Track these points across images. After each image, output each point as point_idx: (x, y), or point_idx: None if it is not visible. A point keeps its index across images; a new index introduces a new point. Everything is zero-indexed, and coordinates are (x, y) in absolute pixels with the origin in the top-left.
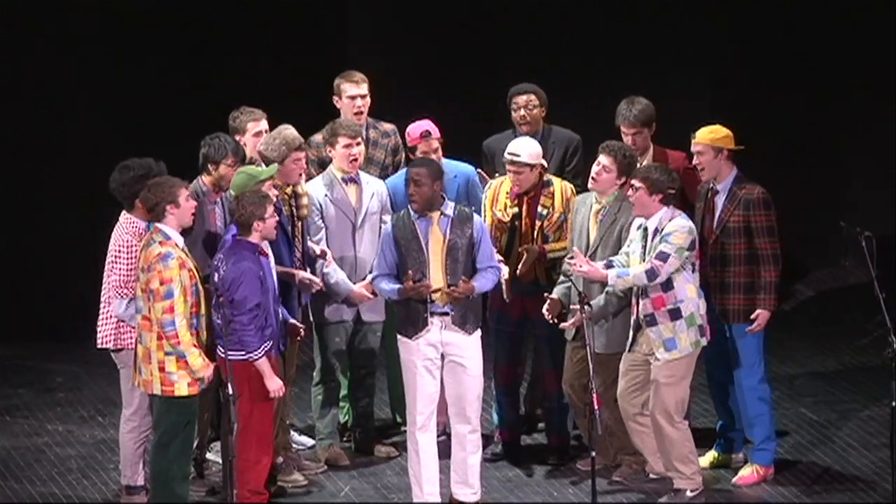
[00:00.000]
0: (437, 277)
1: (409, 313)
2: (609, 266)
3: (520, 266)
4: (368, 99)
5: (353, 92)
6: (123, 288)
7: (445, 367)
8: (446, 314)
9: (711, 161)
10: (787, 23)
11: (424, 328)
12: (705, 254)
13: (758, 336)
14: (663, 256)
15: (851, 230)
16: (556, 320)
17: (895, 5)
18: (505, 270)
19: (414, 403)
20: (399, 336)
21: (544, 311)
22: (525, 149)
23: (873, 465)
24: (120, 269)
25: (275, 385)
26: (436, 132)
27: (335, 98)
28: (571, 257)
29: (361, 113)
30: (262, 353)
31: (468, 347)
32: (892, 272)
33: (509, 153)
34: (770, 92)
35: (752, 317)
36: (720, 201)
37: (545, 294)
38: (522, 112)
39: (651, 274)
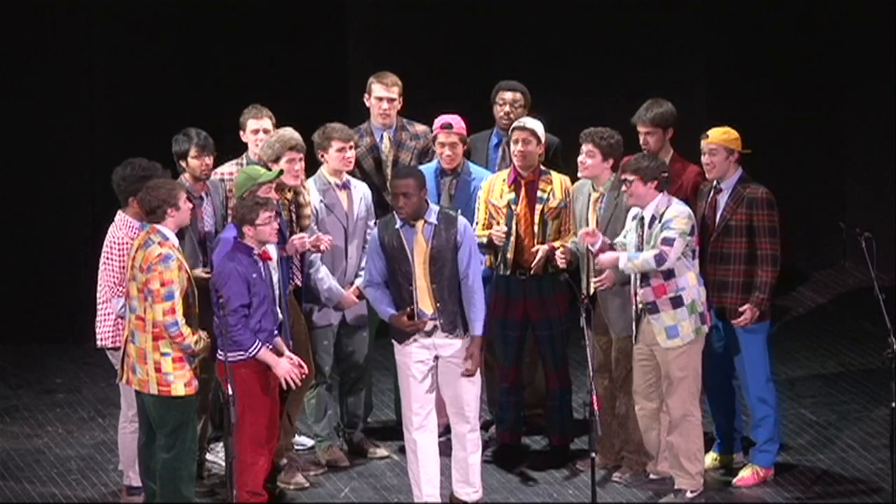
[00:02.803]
0: (422, 285)
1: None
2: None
3: (533, 263)
4: (398, 104)
5: (380, 94)
6: (118, 286)
7: (441, 369)
8: (435, 320)
9: (723, 161)
10: (787, 22)
11: (413, 336)
12: (705, 251)
13: (761, 337)
14: (669, 241)
15: (851, 230)
16: (569, 264)
17: (895, 5)
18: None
19: (409, 405)
20: (392, 340)
21: (559, 256)
22: (531, 120)
23: (873, 467)
24: (113, 268)
25: (282, 370)
26: (458, 127)
27: (366, 95)
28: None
29: (387, 115)
30: (258, 347)
31: (463, 349)
32: (891, 272)
33: (516, 123)
34: (769, 92)
35: (741, 310)
36: (723, 199)
37: (557, 250)
38: (507, 108)
39: (660, 259)
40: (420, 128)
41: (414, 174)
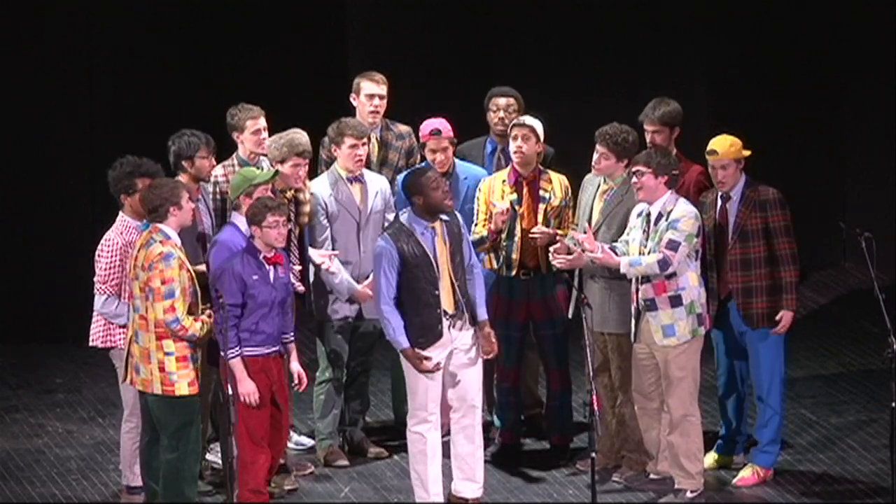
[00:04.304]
0: (445, 284)
1: (423, 326)
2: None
3: (535, 230)
4: (385, 101)
5: (371, 90)
6: (102, 284)
7: (453, 362)
8: (459, 315)
9: (734, 173)
10: (787, 22)
11: (440, 337)
12: (724, 260)
13: (779, 339)
14: (674, 245)
15: (851, 230)
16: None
17: (895, 5)
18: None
19: (424, 405)
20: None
21: (553, 251)
22: (531, 118)
23: (873, 467)
24: (100, 266)
25: (244, 389)
26: (447, 131)
27: (353, 95)
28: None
29: (377, 113)
30: (233, 354)
31: (473, 338)
32: (891, 272)
33: (516, 122)
34: (769, 92)
35: (777, 318)
36: (733, 206)
37: (558, 246)
38: (502, 114)
39: (663, 264)
40: (403, 128)
41: (432, 168)
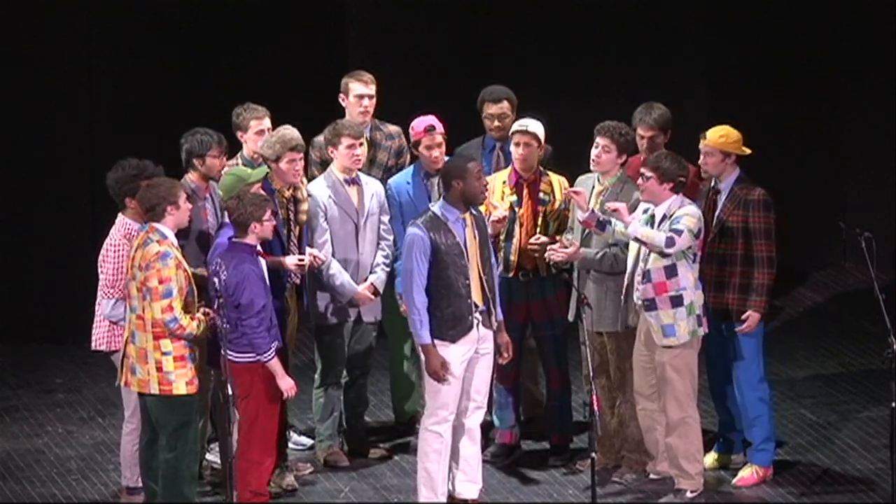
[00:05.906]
0: (475, 277)
1: (454, 317)
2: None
3: (534, 240)
4: (375, 100)
5: (360, 91)
6: (110, 288)
7: (472, 363)
8: (483, 312)
9: (717, 164)
10: (787, 22)
11: (470, 330)
12: (703, 253)
13: (756, 336)
14: (678, 232)
15: (851, 230)
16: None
17: (895, 5)
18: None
19: (445, 404)
20: (435, 340)
21: (555, 248)
22: (532, 122)
23: (873, 466)
24: (107, 270)
25: (287, 384)
26: (440, 127)
27: (342, 96)
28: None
29: (367, 113)
30: (273, 353)
31: (491, 338)
32: (891, 272)
33: (518, 126)
34: (769, 92)
35: (743, 317)
36: (720, 200)
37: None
38: (497, 122)
39: (670, 241)
40: (393, 128)
41: (470, 156)
